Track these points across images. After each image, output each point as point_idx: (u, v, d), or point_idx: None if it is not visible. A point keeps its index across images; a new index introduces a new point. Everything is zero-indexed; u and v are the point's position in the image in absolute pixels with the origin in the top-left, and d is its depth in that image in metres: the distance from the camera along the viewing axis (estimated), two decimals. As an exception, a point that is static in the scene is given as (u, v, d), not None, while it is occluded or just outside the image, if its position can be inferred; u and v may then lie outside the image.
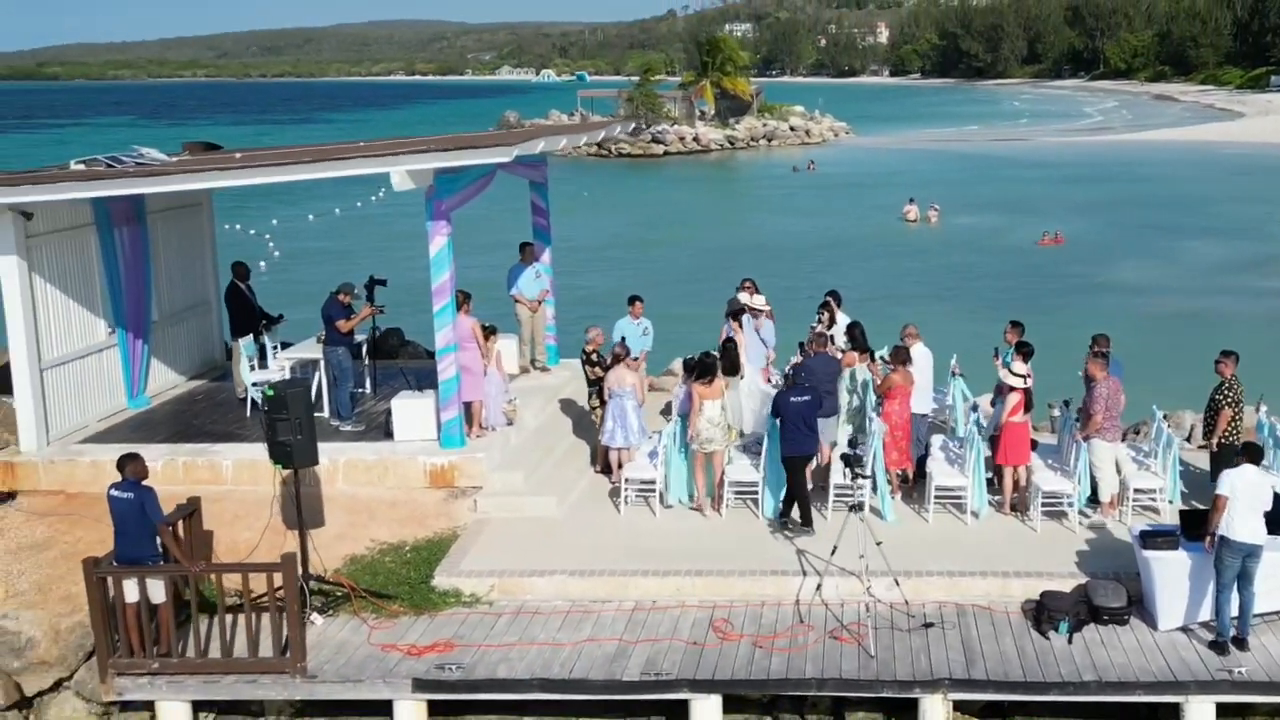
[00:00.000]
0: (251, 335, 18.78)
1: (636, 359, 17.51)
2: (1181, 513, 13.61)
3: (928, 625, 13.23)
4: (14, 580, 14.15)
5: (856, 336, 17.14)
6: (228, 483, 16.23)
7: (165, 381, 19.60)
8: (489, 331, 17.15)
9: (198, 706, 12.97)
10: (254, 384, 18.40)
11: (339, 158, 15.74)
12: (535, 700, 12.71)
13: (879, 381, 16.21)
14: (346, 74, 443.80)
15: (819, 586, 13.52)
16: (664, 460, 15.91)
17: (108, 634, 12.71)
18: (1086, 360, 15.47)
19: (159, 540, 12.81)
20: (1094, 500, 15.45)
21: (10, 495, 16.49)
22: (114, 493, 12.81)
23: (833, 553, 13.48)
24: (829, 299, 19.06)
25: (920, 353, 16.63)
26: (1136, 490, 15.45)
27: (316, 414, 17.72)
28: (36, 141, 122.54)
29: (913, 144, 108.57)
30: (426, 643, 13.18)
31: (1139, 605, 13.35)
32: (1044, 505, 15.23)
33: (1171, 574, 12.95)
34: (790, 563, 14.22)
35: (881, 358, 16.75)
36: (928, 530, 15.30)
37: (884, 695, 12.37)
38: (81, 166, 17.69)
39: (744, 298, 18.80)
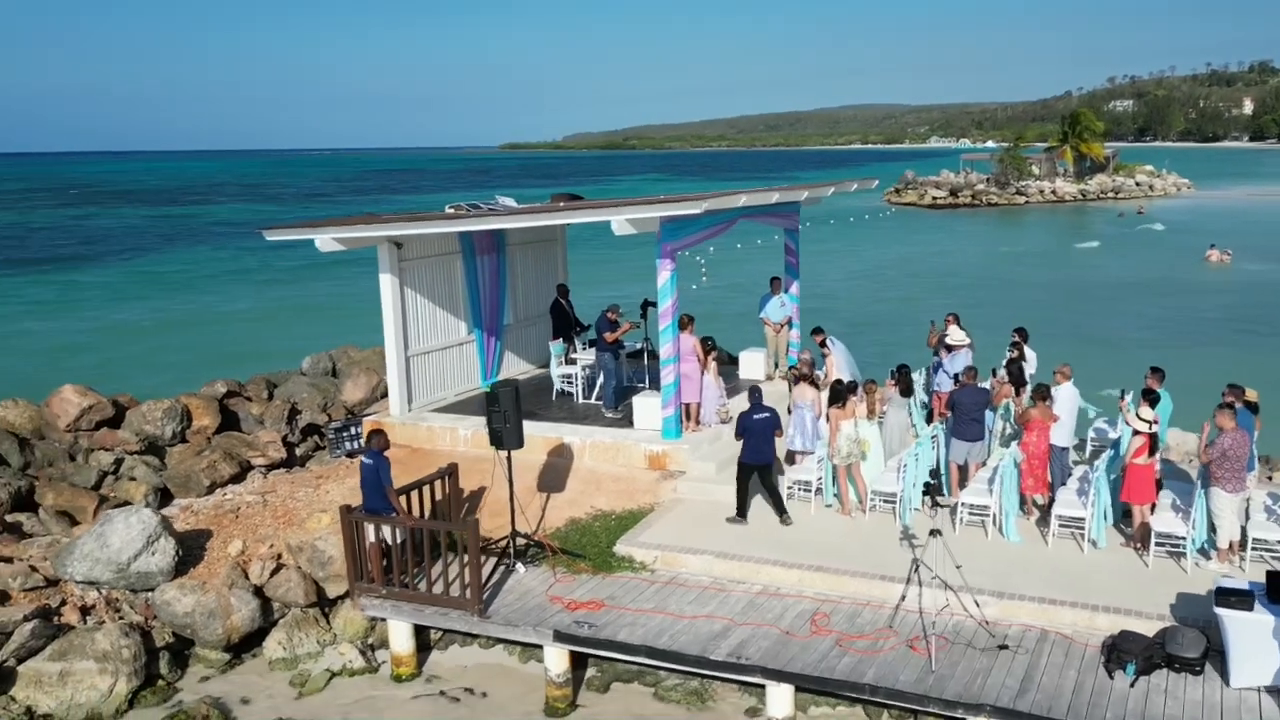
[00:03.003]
0: (562, 339, 17.65)
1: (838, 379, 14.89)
2: (1269, 574, 9.64)
3: (1002, 647, 10.11)
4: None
5: (1012, 372, 13.75)
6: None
7: (516, 369, 18.91)
8: (709, 347, 15.11)
9: (419, 627, 11.97)
10: (559, 376, 17.36)
11: (576, 209, 14.26)
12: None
13: (1019, 413, 12.87)
14: (819, 144, 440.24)
15: (904, 596, 10.66)
16: (823, 465, 13.35)
17: (355, 563, 11.94)
18: (1215, 410, 11.47)
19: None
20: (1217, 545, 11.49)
21: (379, 447, 16.25)
22: (363, 459, 12.00)
23: (915, 568, 10.58)
24: (1017, 336, 15.50)
25: (1066, 392, 13.00)
26: (1256, 540, 11.33)
27: (596, 401, 16.56)
28: (615, 191, 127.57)
29: (1246, 198, 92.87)
30: (584, 599, 11.51)
31: (1221, 656, 9.62)
32: (1158, 544, 11.46)
33: (1245, 634, 9.19)
34: (901, 570, 11.36)
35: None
36: (1043, 555, 11.87)
37: (930, 710, 9.51)
38: (451, 210, 17.20)
39: (960, 334, 15.53)
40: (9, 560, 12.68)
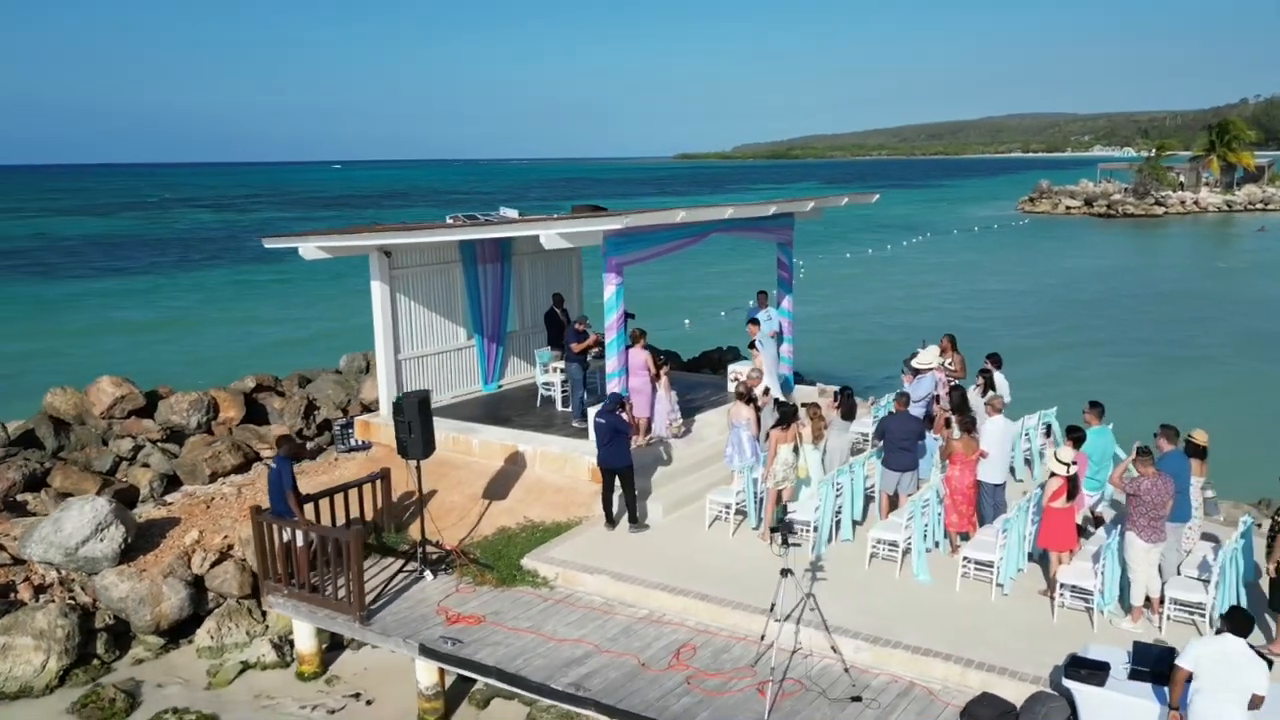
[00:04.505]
0: (551, 347, 16.85)
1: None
2: (1136, 645, 7.90)
3: (855, 699, 8.74)
4: (302, 505, 13.36)
5: (953, 400, 12.02)
6: (474, 455, 14.56)
7: (522, 374, 18.21)
8: (661, 362, 14.01)
9: (320, 630, 11.40)
10: (543, 384, 16.59)
11: (508, 223, 13.46)
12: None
13: (944, 446, 11.24)
14: (979, 153, 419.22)
15: (764, 635, 9.36)
16: (747, 488, 12.08)
17: (264, 561, 11.53)
18: (1134, 453, 9.60)
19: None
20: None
21: (369, 445, 15.96)
22: (270, 463, 11.56)
23: (771, 609, 9.27)
24: (989, 362, 13.69)
25: (995, 425, 11.25)
26: (1174, 601, 9.41)
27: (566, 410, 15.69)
28: (765, 198, 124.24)
29: None
30: (470, 612, 10.72)
31: (1090, 733, 7.92)
32: (1067, 596, 9.71)
33: (1095, 712, 7.53)
34: (787, 606, 10.01)
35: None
36: (948, 599, 10.28)
37: (744, 766, 8.26)
38: (451, 221, 16.64)
39: (925, 357, 13.86)
40: (-14, 538, 12.96)
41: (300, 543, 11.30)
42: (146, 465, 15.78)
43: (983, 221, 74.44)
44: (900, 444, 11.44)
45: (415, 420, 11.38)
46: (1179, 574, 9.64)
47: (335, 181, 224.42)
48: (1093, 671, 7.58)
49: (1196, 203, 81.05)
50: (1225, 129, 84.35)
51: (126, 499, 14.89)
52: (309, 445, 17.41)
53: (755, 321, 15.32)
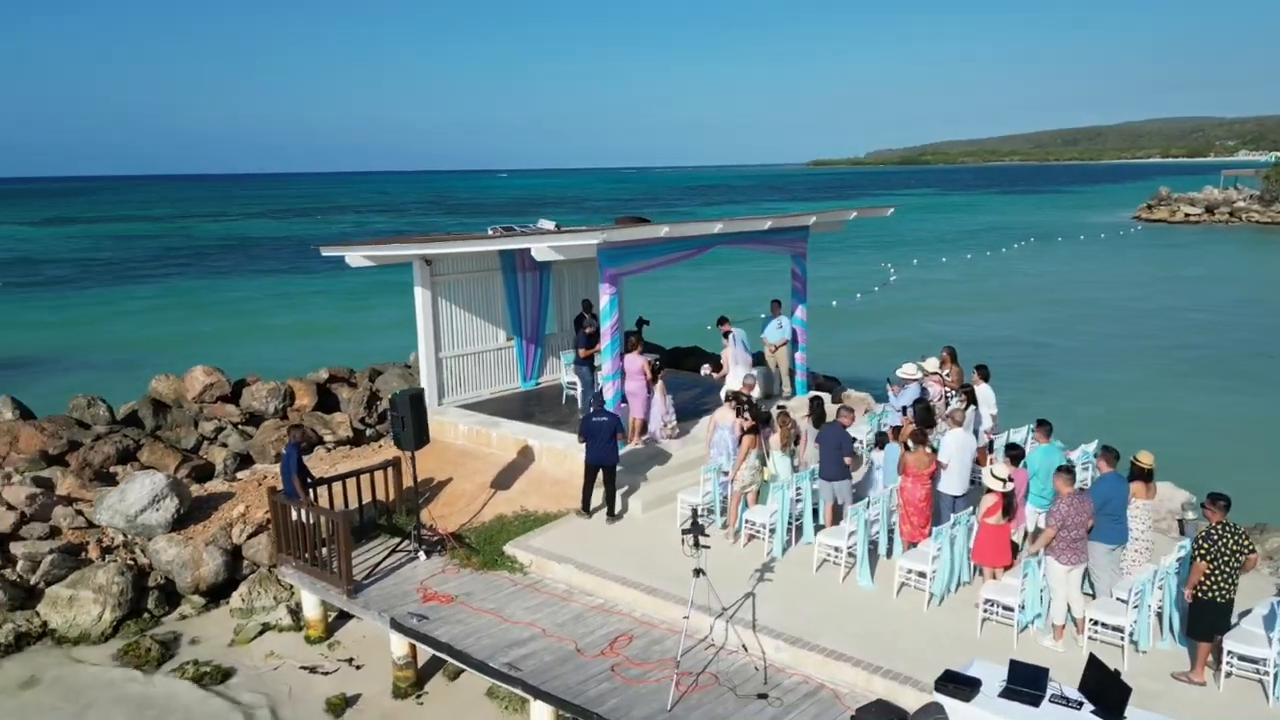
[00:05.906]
0: (574, 349, 17.05)
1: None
2: (1013, 664, 7.45)
3: (761, 696, 8.62)
4: (334, 486, 14.04)
5: (917, 412, 11.53)
6: (491, 447, 14.92)
7: (559, 374, 18.48)
8: (656, 368, 14.00)
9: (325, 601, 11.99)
10: (567, 384, 16.82)
11: (511, 237, 13.67)
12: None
13: (900, 458, 10.82)
14: (1115, 158, 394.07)
15: (685, 633, 9.29)
16: (714, 489, 11.97)
17: (279, 535, 12.21)
18: (1055, 471, 9.03)
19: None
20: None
21: (411, 433, 16.52)
22: (283, 450, 12.21)
23: (689, 607, 9.18)
24: (976, 373, 13.07)
25: (954, 438, 10.73)
26: (1094, 622, 8.82)
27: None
28: (882, 203, 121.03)
29: None
30: (445, 592, 11.09)
31: (972, 745, 7.57)
32: (996, 611, 9.24)
33: (961, 731, 7.18)
34: (720, 603, 9.95)
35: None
36: (883, 605, 9.94)
37: (635, 752, 8.26)
38: (490, 231, 17.07)
39: (909, 368, 13.43)
40: (70, 502, 14.19)
41: (306, 520, 11.91)
42: (224, 445, 16.90)
43: (1091, 229, 70.28)
44: (830, 455, 11.12)
45: (408, 415, 11.81)
46: (1111, 596, 9.04)
47: (498, 189, 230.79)
48: (960, 687, 7.24)
49: (1329, 210, 74.07)
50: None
51: (203, 474, 16.03)
52: (368, 432, 18.27)
53: (725, 319, 15.32)
